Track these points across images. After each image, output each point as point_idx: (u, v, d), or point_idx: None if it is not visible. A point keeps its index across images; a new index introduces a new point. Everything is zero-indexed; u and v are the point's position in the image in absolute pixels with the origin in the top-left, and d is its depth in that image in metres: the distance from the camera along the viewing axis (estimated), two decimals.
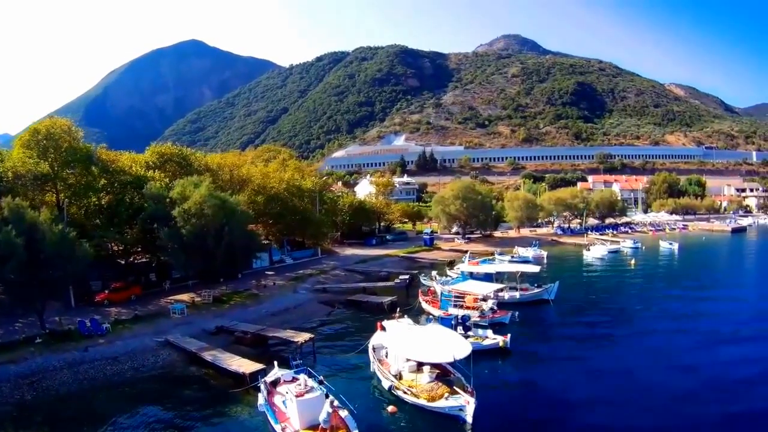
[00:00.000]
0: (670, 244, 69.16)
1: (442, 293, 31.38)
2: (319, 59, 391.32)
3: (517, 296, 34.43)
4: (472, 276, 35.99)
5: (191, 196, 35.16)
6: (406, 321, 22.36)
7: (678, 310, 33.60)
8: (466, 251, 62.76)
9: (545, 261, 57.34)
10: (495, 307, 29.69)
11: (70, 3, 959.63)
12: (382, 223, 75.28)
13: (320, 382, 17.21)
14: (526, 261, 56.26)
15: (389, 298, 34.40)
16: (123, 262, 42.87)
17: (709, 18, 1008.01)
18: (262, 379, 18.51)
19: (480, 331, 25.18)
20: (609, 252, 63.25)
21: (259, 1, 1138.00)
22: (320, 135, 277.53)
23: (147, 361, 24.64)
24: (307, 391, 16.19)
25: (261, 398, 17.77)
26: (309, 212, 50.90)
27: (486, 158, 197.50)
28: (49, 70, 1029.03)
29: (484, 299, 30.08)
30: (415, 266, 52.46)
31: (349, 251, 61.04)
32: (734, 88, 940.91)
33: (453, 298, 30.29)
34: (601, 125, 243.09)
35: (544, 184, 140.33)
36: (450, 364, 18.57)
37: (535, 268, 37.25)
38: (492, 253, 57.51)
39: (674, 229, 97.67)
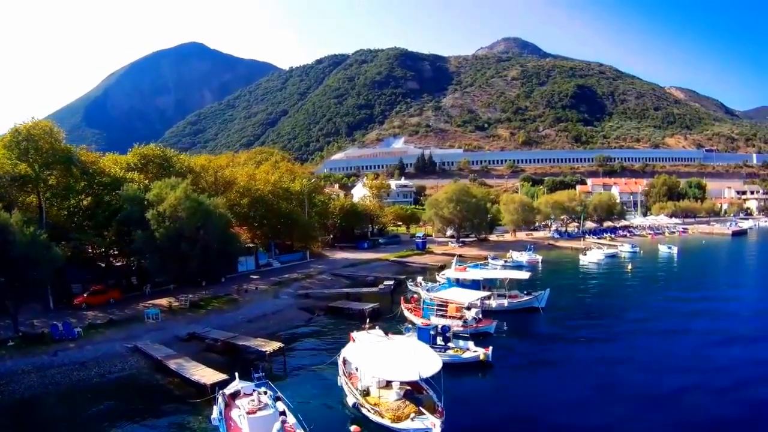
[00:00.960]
0: (669, 248, 67.81)
1: (423, 301, 30.05)
2: (319, 62, 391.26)
3: (506, 304, 33.02)
4: (459, 283, 34.52)
5: (167, 198, 34.66)
6: (377, 332, 21.28)
7: (675, 320, 32.18)
8: (459, 255, 61.77)
9: (540, 266, 56.12)
10: (479, 316, 28.36)
11: (72, 4, 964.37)
12: (375, 227, 74.22)
13: (277, 399, 16.20)
14: (519, 266, 54.91)
15: (371, 305, 33.25)
16: (104, 265, 42.29)
17: (709, 21, 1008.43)
18: (220, 391, 17.69)
19: (461, 343, 23.94)
20: (606, 256, 61.78)
21: (260, 4, 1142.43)
22: (319, 137, 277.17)
23: (114, 368, 24.06)
24: (259, 408, 15.24)
25: (215, 411, 16.87)
26: (295, 215, 49.82)
27: (485, 161, 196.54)
28: (50, 70, 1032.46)
29: (468, 308, 28.73)
30: (405, 271, 51.30)
31: (340, 255, 59.96)
32: (734, 91, 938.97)
33: (435, 307, 28.97)
34: (601, 128, 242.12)
35: (542, 187, 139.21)
36: (422, 380, 17.52)
37: (525, 275, 35.68)
38: (485, 258, 56.36)
39: (674, 232, 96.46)
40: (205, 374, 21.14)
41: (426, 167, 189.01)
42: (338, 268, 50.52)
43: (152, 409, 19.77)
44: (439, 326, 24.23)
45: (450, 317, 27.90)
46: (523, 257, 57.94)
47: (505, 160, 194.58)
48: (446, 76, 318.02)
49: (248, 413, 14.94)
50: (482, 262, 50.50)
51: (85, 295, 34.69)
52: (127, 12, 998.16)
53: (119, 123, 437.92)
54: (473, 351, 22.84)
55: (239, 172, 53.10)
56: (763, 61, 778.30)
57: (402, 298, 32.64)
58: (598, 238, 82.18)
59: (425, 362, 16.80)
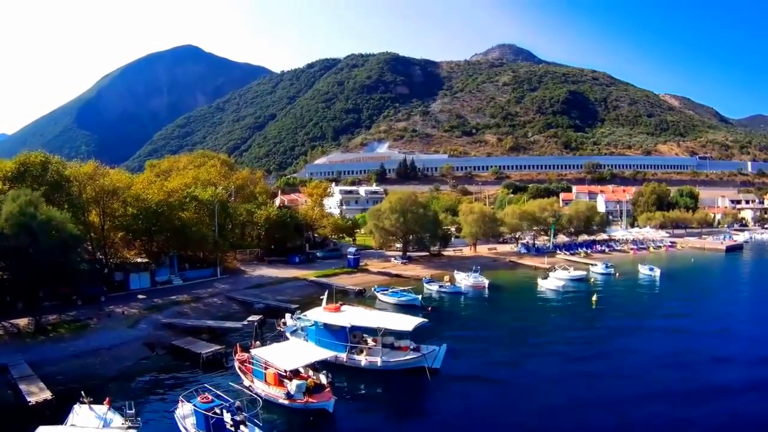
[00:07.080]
0: (651, 269, 56.80)
1: (253, 357, 21.29)
2: (310, 66, 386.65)
3: (379, 363, 23.51)
4: (327, 328, 25.27)
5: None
6: (99, 408, 14.07)
7: (637, 401, 21.17)
8: (397, 275, 53.87)
9: (486, 292, 46.49)
10: (322, 381, 19.89)
11: (67, 5, 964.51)
12: (315, 237, 66.75)
13: None
14: (458, 292, 46.08)
15: (212, 349, 25.47)
16: None
17: (705, 30, 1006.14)
18: None
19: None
20: (571, 280, 50.73)
21: (255, 8, 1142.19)
22: (305, 142, 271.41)
23: None
24: None
25: None
26: (187, 227, 42.62)
27: (469, 167, 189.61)
28: (44, 71, 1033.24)
29: (288, 377, 19.81)
30: (320, 294, 43.23)
31: (261, 271, 52.27)
32: (729, 99, 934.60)
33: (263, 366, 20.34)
34: (592, 134, 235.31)
35: (524, 194, 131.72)
36: None
37: (408, 325, 24.34)
38: (419, 280, 48.28)
39: (660, 246, 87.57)
40: None
41: (408, 173, 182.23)
42: (240, 290, 42.93)
43: None
44: (223, 405, 16.33)
45: (271, 385, 19.68)
46: (467, 281, 48.47)
47: (490, 166, 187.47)
48: (437, 82, 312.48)
49: None
50: (406, 288, 41.84)
51: None
52: (122, 14, 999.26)
53: (111, 125, 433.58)
54: None
55: (137, 179, 46.23)
56: (758, 69, 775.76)
57: (238, 345, 24.52)
58: (572, 254, 73.64)
59: None
